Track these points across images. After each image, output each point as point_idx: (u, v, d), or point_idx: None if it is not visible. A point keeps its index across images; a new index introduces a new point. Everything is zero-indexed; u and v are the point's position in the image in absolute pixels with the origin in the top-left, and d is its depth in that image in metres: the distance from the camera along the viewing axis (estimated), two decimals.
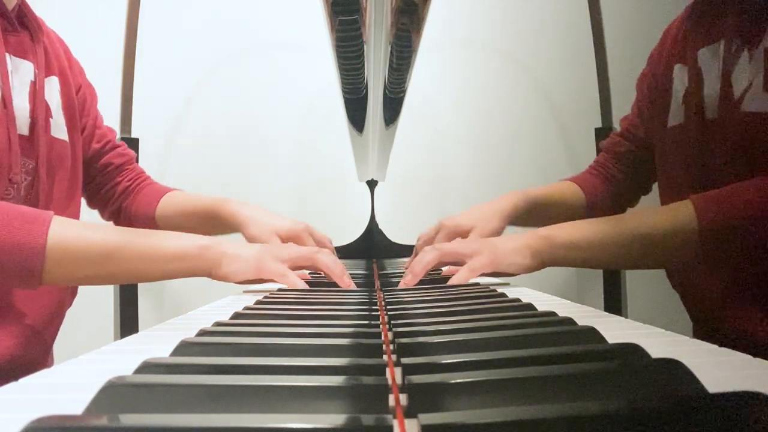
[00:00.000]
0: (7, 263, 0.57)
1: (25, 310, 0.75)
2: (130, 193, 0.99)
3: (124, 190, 0.98)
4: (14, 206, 0.60)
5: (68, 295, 0.86)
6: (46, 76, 0.81)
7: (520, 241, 0.70)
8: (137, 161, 1.23)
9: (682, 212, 0.64)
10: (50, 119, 0.81)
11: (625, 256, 0.70)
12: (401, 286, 0.72)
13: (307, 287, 0.69)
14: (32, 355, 0.76)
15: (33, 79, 0.78)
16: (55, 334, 0.84)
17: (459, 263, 0.72)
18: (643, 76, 0.95)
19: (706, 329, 0.78)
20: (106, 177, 0.97)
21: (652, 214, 0.69)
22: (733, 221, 0.61)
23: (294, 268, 0.71)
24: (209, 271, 0.68)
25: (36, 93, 0.78)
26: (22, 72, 0.77)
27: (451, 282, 0.71)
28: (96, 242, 0.62)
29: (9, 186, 0.73)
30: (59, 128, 0.83)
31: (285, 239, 0.87)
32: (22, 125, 0.75)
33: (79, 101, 0.89)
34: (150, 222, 0.97)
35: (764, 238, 0.61)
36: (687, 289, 0.82)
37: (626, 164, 0.99)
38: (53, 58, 0.84)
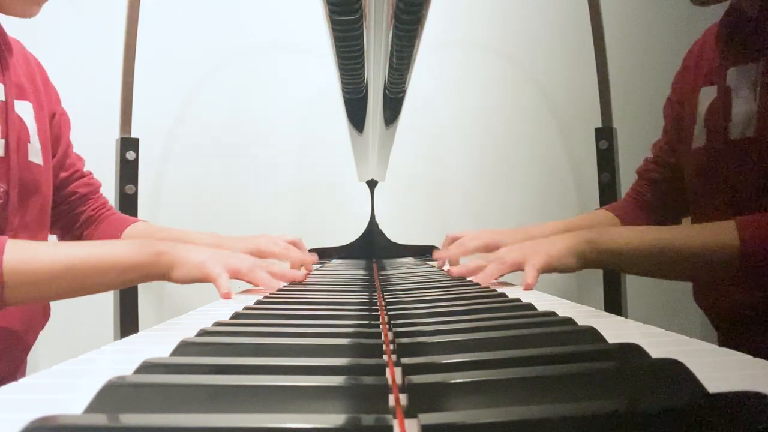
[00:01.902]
0: None
1: None
2: (92, 222, 0.99)
3: (87, 219, 0.99)
4: None
5: (40, 314, 0.87)
6: (19, 99, 0.81)
7: (567, 242, 0.73)
8: (137, 163, 1.23)
9: (725, 231, 0.65)
10: (28, 144, 0.81)
11: (666, 268, 0.71)
12: (455, 273, 0.79)
13: (230, 298, 0.69)
14: (2, 369, 0.77)
15: (3, 100, 0.77)
16: (28, 350, 0.84)
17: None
18: (668, 102, 0.96)
19: (733, 343, 0.78)
20: (70, 205, 0.97)
21: (697, 229, 0.70)
22: None
23: (234, 277, 0.72)
24: (163, 275, 0.70)
25: (8, 114, 0.77)
26: None
27: (480, 278, 0.73)
28: (49, 261, 0.63)
29: None
30: (35, 153, 0.83)
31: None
32: None
33: (53, 129, 0.90)
34: None
35: None
36: (713, 306, 0.82)
37: (660, 189, 0.99)
38: (27, 83, 0.84)
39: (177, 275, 0.70)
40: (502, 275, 0.74)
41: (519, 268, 0.73)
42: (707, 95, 0.81)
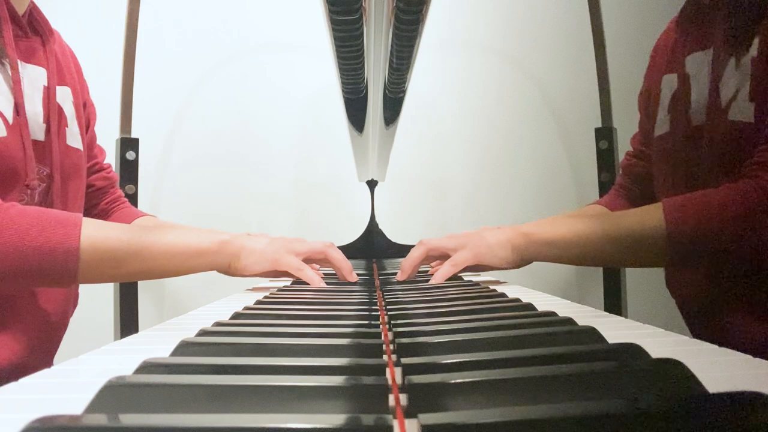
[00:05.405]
0: (45, 265, 0.60)
1: (33, 317, 0.76)
2: (104, 215, 0.99)
3: (99, 213, 0.98)
4: (45, 210, 0.62)
5: (71, 304, 0.87)
6: (59, 85, 0.81)
7: (502, 235, 0.74)
8: (137, 163, 1.23)
9: (653, 215, 0.66)
10: (66, 128, 0.81)
11: (600, 256, 0.72)
12: (399, 278, 0.79)
13: (324, 285, 0.72)
14: (37, 361, 0.77)
15: (46, 84, 0.78)
16: (59, 341, 0.84)
17: (444, 257, 0.76)
18: (640, 95, 0.96)
19: (701, 334, 0.78)
20: (86, 198, 0.95)
21: (626, 215, 0.70)
22: (700, 225, 0.62)
23: (307, 262, 0.75)
24: (228, 265, 0.71)
25: (49, 99, 0.78)
26: (34, 77, 0.77)
27: (433, 279, 0.74)
28: (123, 242, 0.65)
29: (24, 192, 0.73)
30: (74, 137, 0.83)
31: None
32: (37, 131, 0.76)
33: (84, 118, 0.90)
34: None
35: (732, 241, 0.62)
36: (682, 296, 0.82)
37: (642, 182, 0.98)
38: (65, 69, 0.84)
39: (244, 264, 0.71)
40: (416, 264, 0.78)
41: (442, 255, 0.76)
42: (669, 83, 0.81)
